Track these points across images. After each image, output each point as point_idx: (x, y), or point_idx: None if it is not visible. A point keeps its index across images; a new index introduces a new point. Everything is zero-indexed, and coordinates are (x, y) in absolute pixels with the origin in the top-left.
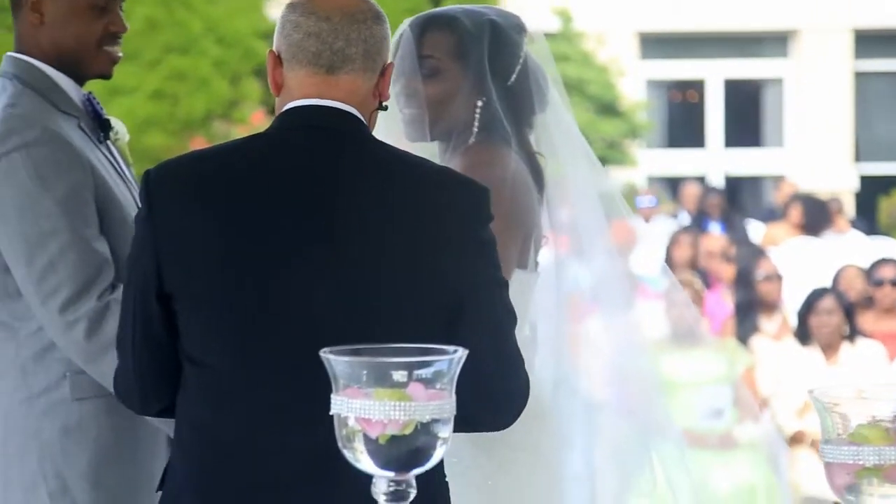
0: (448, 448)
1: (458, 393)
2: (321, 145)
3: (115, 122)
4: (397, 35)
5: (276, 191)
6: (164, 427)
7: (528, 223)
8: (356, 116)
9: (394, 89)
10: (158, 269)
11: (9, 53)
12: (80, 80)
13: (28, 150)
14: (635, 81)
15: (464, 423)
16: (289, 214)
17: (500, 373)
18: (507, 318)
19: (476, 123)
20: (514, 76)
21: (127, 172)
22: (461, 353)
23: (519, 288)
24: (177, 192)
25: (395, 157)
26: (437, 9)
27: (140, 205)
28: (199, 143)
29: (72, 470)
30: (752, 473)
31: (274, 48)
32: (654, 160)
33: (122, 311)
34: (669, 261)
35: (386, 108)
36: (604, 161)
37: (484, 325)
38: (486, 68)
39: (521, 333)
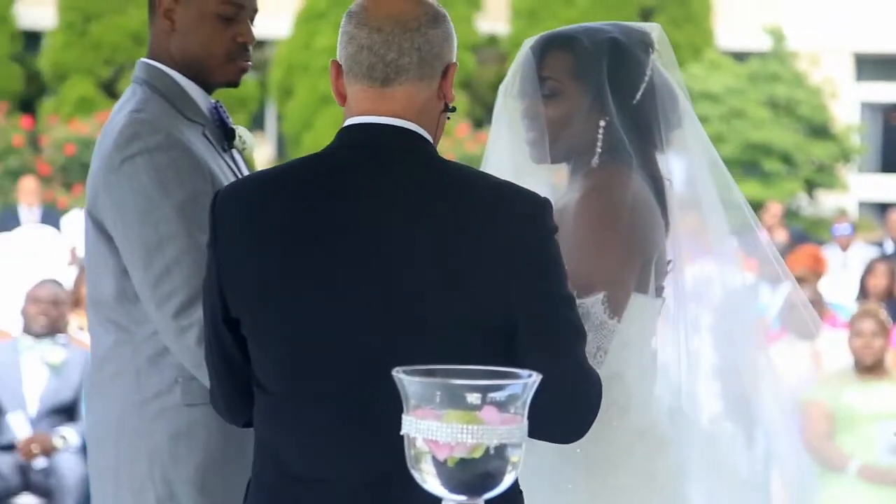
0: (547, 472)
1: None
2: (373, 165)
3: (242, 131)
4: (518, 56)
5: (326, 214)
6: None
7: (648, 247)
8: (411, 131)
9: (517, 111)
10: (223, 296)
11: (142, 59)
12: (208, 88)
13: (151, 155)
14: (849, 103)
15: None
16: (338, 238)
17: (564, 389)
18: (570, 334)
19: (599, 144)
20: (639, 94)
21: None
22: (535, 378)
23: (637, 313)
24: (235, 218)
25: (449, 172)
26: (558, 29)
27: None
28: None
29: (179, 475)
30: None
31: (337, 58)
32: (866, 185)
33: (205, 331)
34: (864, 290)
35: (454, 110)
36: (813, 184)
37: (543, 343)
38: (606, 87)
39: (641, 359)
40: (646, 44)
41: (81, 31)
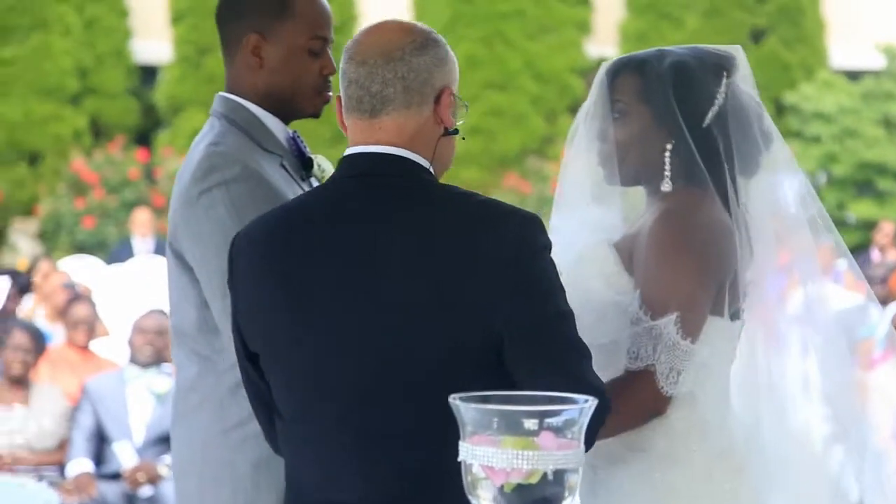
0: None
1: None
2: (363, 194)
3: (322, 160)
4: (596, 79)
5: (322, 247)
6: None
7: (723, 270)
8: (400, 157)
9: (590, 133)
10: (240, 332)
11: (220, 94)
12: (287, 120)
13: (228, 187)
14: None
15: None
16: (333, 268)
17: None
18: (568, 351)
19: (667, 168)
20: (708, 118)
21: None
22: (592, 403)
23: (713, 335)
24: (247, 257)
25: (436, 194)
26: (633, 52)
27: None
28: (512, 179)
29: (262, 503)
30: None
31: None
32: None
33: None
34: None
35: (456, 132)
36: None
37: (537, 360)
38: (675, 111)
39: (717, 382)
40: (720, 66)
41: (196, 63)
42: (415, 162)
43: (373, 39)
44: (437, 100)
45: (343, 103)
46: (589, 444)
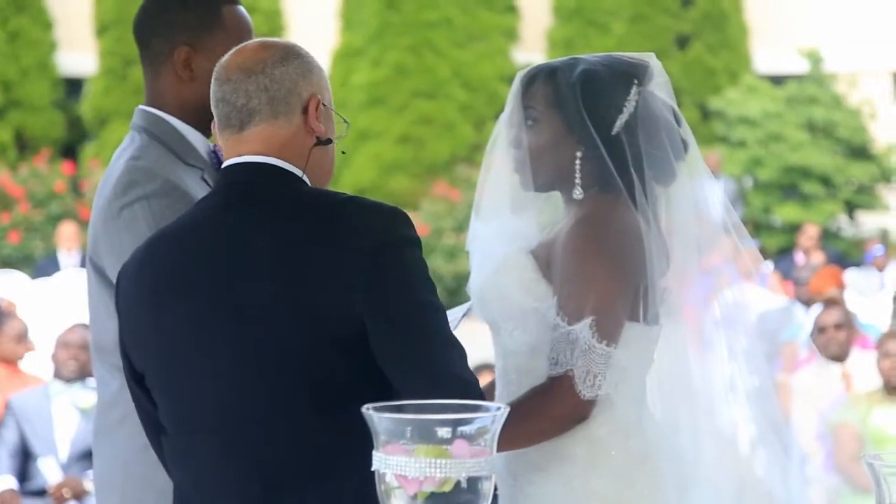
0: None
1: None
2: (225, 204)
3: None
4: (512, 87)
5: (187, 263)
6: None
7: (638, 274)
8: (265, 164)
9: (506, 140)
10: (127, 354)
11: (140, 107)
12: (209, 130)
13: (149, 202)
14: (888, 123)
15: None
16: (196, 282)
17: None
18: (435, 343)
19: (577, 175)
20: (616, 126)
21: None
22: (503, 410)
23: (633, 341)
24: (128, 279)
25: (300, 197)
26: (548, 61)
27: None
28: (442, 187)
29: None
30: None
31: None
32: None
33: None
34: None
35: (329, 142)
36: (853, 205)
37: (403, 351)
38: (584, 118)
39: (632, 386)
40: (630, 75)
41: (122, 75)
42: (283, 169)
43: (235, 59)
44: (305, 110)
45: (216, 124)
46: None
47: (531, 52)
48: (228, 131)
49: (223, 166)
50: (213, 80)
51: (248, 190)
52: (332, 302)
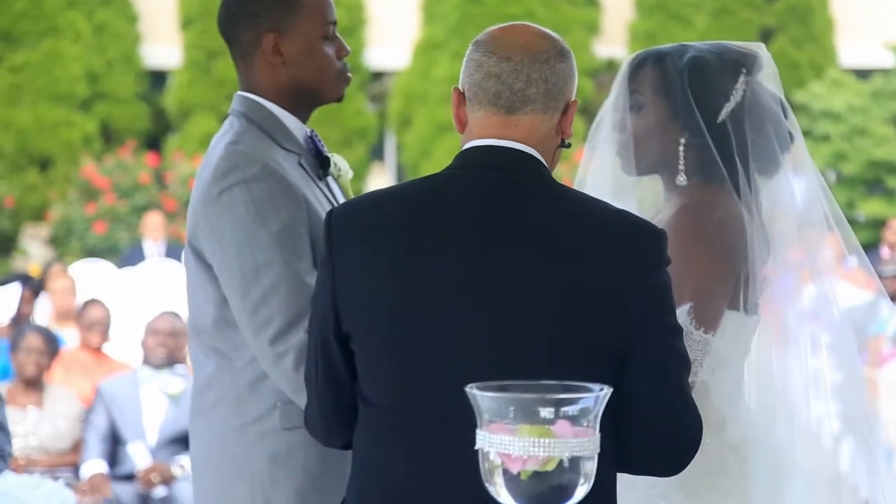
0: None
1: (628, 439)
2: (493, 186)
3: (338, 160)
4: (619, 72)
5: (443, 234)
6: None
7: (738, 264)
8: (533, 157)
9: (610, 123)
10: (336, 311)
11: (239, 93)
12: (310, 111)
13: (248, 186)
14: None
15: (635, 468)
16: (452, 257)
17: (669, 421)
18: (679, 366)
19: (681, 162)
20: (722, 114)
21: None
22: (606, 391)
23: (732, 330)
24: (354, 236)
25: (569, 198)
26: (659, 46)
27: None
28: None
29: (279, 497)
30: None
31: (459, 85)
32: None
33: (308, 349)
34: None
35: (569, 146)
36: None
37: (651, 372)
38: (691, 105)
39: (730, 375)
40: (739, 63)
41: (206, 68)
42: (544, 164)
43: (515, 38)
44: (565, 111)
45: (471, 95)
46: (685, 465)
47: (613, 45)
48: (492, 109)
49: (480, 144)
50: (481, 50)
51: (518, 179)
52: (604, 317)
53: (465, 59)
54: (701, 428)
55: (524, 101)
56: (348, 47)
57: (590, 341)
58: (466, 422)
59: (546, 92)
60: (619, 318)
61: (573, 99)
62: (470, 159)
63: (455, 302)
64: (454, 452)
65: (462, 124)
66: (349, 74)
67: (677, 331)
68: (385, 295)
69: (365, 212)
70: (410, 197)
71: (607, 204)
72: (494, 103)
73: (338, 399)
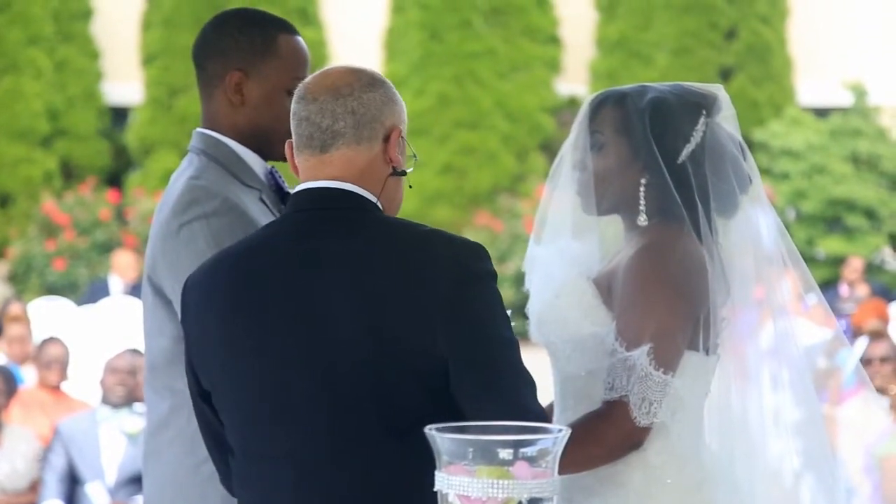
0: None
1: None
2: (308, 227)
3: None
4: (580, 111)
5: (263, 283)
6: None
7: (699, 304)
8: (348, 192)
9: (570, 163)
10: (194, 372)
11: (198, 129)
12: (265, 157)
13: (208, 220)
14: None
15: None
16: (272, 304)
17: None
18: (511, 378)
19: (642, 202)
20: (683, 155)
21: None
22: (565, 433)
23: (691, 370)
24: (195, 298)
25: (380, 226)
26: (619, 86)
27: None
28: (484, 217)
29: None
30: None
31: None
32: None
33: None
34: None
35: (404, 173)
36: None
37: (480, 386)
38: (651, 146)
39: (689, 415)
40: (699, 105)
41: (167, 105)
42: (363, 196)
43: (322, 80)
44: (387, 139)
45: (294, 143)
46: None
47: (574, 83)
48: (308, 151)
49: (300, 189)
50: (295, 99)
51: (328, 216)
52: (413, 336)
53: None
54: (542, 419)
55: (334, 137)
56: None
57: (406, 361)
58: (307, 463)
59: (355, 124)
60: (432, 333)
61: (396, 126)
62: (292, 203)
63: (278, 348)
64: (299, 496)
65: (297, 172)
66: None
67: (505, 342)
68: (222, 351)
69: (208, 275)
70: (242, 251)
71: (424, 226)
72: (309, 145)
73: (221, 452)
